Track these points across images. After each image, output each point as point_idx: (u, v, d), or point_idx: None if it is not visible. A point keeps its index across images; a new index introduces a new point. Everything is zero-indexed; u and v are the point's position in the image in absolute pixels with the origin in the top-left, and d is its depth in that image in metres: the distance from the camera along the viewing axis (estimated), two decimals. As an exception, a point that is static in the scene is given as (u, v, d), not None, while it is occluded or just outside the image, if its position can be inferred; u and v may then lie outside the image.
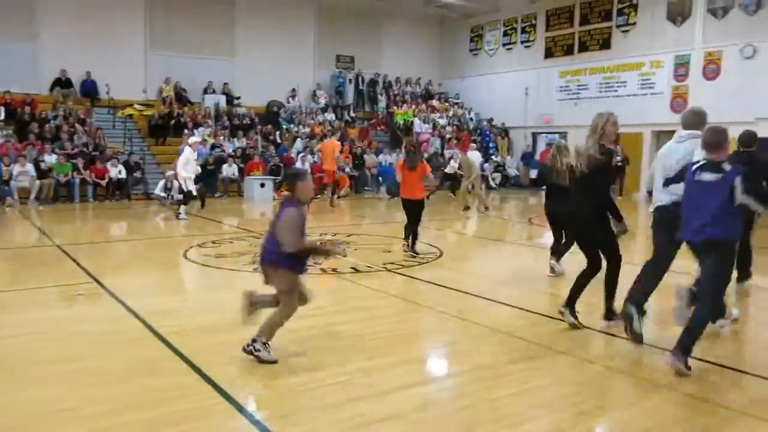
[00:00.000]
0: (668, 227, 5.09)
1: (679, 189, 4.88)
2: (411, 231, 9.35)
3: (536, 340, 5.18)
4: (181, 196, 13.62)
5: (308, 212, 5.24)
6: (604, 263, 5.58)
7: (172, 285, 7.76)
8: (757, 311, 6.40)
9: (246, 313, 4.73)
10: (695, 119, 5.46)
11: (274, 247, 4.52)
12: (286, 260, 4.50)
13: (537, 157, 24.85)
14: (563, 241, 7.93)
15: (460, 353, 4.99)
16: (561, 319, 5.85)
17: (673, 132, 20.44)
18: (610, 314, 5.66)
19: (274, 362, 4.50)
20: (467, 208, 15.80)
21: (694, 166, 4.67)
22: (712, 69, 19.50)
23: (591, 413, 3.90)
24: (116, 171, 17.54)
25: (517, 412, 3.79)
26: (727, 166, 4.50)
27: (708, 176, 4.52)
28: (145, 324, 5.52)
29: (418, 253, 9.19)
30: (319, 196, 16.98)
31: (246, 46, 23.53)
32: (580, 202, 5.52)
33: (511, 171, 25.19)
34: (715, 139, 4.63)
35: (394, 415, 3.75)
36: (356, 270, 8.10)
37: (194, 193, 13.92)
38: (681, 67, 20.30)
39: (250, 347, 4.54)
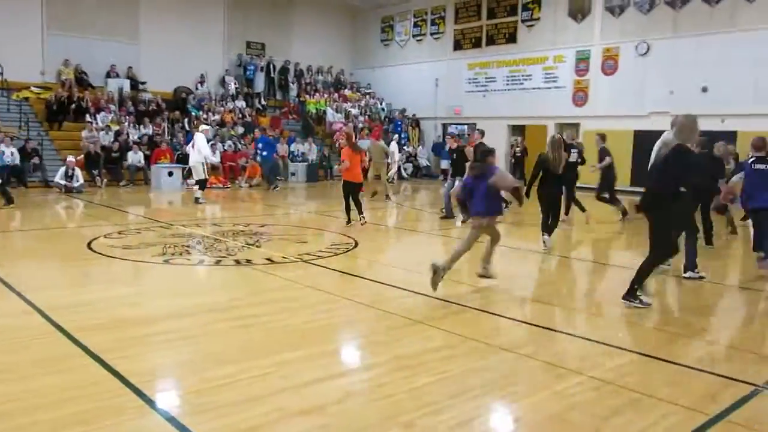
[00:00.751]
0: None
1: None
2: (349, 208, 11.03)
3: (452, 329, 5.28)
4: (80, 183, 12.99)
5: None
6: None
7: (76, 278, 7.39)
8: (672, 297, 6.75)
9: (436, 283, 6.24)
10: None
11: (491, 203, 6.48)
12: (496, 209, 6.61)
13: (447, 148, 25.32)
14: (550, 220, 9.23)
15: (378, 344, 5.02)
16: (475, 308, 6.00)
17: (575, 125, 21.07)
18: (629, 295, 6.12)
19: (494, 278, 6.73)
20: (375, 193, 15.92)
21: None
22: (610, 64, 20.43)
23: (507, 398, 4.02)
24: (9, 152, 16.48)
25: (437, 399, 3.84)
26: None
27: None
28: (49, 319, 5.25)
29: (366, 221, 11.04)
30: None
31: (151, 28, 22.61)
32: (649, 187, 6.34)
33: (423, 161, 25.51)
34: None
35: (313, 407, 3.72)
36: (271, 261, 8.01)
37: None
38: (582, 62, 21.15)
39: (485, 270, 6.73)
